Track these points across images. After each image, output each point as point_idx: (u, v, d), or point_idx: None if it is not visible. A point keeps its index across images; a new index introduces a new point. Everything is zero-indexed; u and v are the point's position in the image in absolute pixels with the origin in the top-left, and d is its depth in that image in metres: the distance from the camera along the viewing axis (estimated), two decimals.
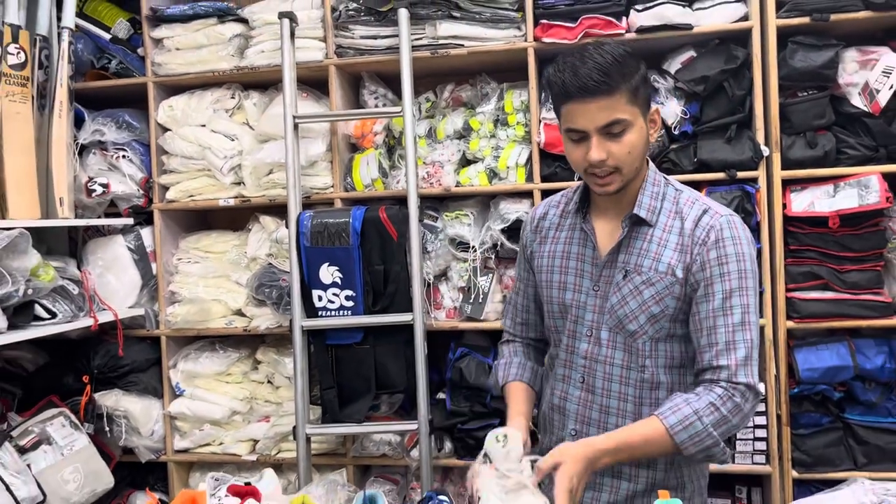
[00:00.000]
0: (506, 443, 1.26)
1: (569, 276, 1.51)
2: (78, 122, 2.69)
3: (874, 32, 2.38)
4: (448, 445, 2.57)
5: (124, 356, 2.65)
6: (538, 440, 1.64)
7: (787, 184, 2.34)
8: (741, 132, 2.35)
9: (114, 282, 2.67)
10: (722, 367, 1.35)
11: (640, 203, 1.44)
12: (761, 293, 2.30)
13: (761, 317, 2.31)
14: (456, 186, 2.54)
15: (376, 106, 2.68)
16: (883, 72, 2.22)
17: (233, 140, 2.66)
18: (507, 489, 1.18)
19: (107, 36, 2.77)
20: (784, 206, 2.31)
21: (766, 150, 2.31)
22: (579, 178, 2.38)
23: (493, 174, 2.53)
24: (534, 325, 1.69)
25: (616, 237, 1.46)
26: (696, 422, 1.32)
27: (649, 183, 1.46)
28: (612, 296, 1.45)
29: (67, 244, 2.76)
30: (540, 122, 2.45)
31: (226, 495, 1.38)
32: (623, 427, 1.39)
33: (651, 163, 1.50)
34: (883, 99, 2.22)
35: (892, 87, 2.21)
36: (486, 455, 1.30)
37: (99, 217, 2.72)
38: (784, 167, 2.32)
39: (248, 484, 1.43)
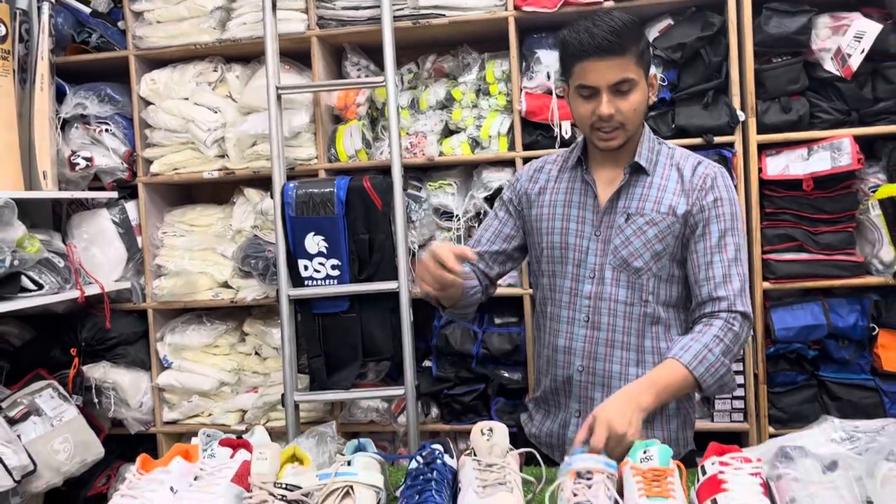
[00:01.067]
0: (491, 436, 1.27)
1: (571, 223, 1.61)
2: (59, 97, 2.69)
3: None
4: (434, 411, 2.61)
5: (111, 329, 2.66)
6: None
7: (763, 148, 2.39)
8: (718, 98, 2.40)
9: (99, 255, 2.68)
10: (721, 298, 1.49)
11: (640, 154, 1.57)
12: None
13: None
14: (439, 156, 2.57)
15: (359, 77, 2.70)
16: (854, 37, 2.27)
17: (216, 113, 2.67)
18: (486, 483, 1.19)
19: (87, 10, 2.76)
20: (760, 169, 2.36)
21: (741, 116, 2.36)
22: (563, 146, 2.43)
23: (475, 143, 2.57)
24: (489, 260, 1.74)
25: (615, 186, 1.58)
26: (707, 354, 1.44)
27: (646, 139, 1.59)
28: (616, 238, 1.56)
29: (51, 218, 2.77)
30: (521, 91, 2.49)
31: (218, 447, 1.41)
32: (644, 375, 1.47)
33: (646, 124, 1.61)
34: (854, 63, 2.27)
35: (863, 51, 2.26)
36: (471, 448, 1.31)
37: (83, 191, 2.73)
38: (759, 132, 2.37)
39: (239, 437, 1.46)
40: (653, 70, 1.61)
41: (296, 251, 2.47)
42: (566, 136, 2.44)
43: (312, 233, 2.46)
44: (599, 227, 1.58)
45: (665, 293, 1.57)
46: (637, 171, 1.57)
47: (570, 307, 1.60)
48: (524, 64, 2.52)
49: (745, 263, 1.54)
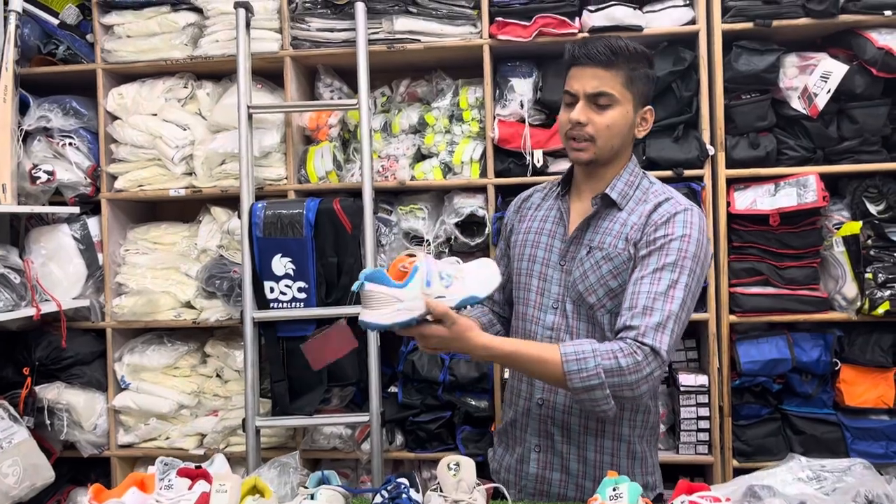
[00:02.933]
0: (457, 471, 1.25)
1: (539, 250, 1.59)
2: (23, 109, 2.62)
3: (814, 39, 2.49)
4: (399, 438, 2.57)
5: (67, 348, 2.58)
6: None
7: (731, 182, 2.42)
8: (688, 132, 2.43)
9: (57, 272, 2.60)
10: (632, 328, 1.38)
11: (614, 186, 1.53)
12: (705, 287, 2.38)
13: (705, 311, 2.38)
14: (410, 180, 2.55)
15: (331, 99, 2.68)
16: (821, 76, 2.32)
17: (185, 129, 2.63)
18: None
19: (55, 21, 2.70)
20: (728, 203, 2.39)
21: (711, 150, 2.39)
22: (534, 174, 2.44)
23: (447, 169, 2.56)
24: (500, 302, 1.75)
25: (585, 217, 1.55)
26: (589, 358, 1.35)
27: (627, 172, 1.54)
28: (576, 270, 1.53)
29: (9, 233, 2.68)
30: (494, 118, 2.49)
31: (176, 477, 1.36)
32: (524, 340, 1.51)
33: (634, 157, 1.58)
34: (820, 103, 2.32)
35: (829, 91, 2.31)
36: (437, 483, 1.28)
37: (43, 205, 2.65)
38: (728, 166, 2.40)
39: (198, 467, 1.41)
40: (651, 107, 1.56)
41: (262, 272, 2.42)
42: (538, 165, 2.45)
43: (280, 254, 2.42)
44: (565, 257, 1.55)
45: None
46: (610, 204, 1.53)
47: (532, 336, 1.57)
48: (498, 91, 2.53)
49: (679, 302, 1.39)
